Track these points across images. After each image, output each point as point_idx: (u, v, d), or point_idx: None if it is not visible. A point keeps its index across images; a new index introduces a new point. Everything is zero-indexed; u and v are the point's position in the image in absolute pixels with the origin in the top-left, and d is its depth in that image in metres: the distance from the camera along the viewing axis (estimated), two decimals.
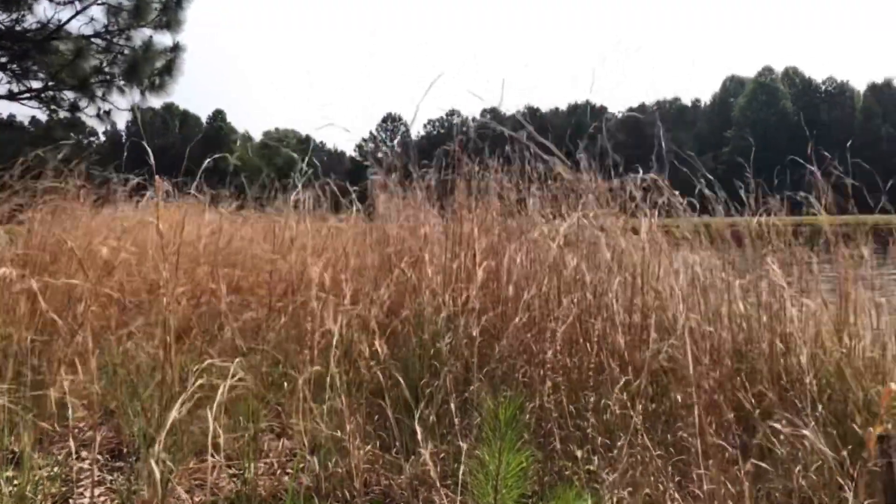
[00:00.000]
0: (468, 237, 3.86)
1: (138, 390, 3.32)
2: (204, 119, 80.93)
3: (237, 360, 2.81)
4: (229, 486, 2.96)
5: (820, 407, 2.71)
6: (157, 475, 2.43)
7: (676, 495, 2.65)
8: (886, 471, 2.04)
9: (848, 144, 3.81)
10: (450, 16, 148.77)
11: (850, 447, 2.57)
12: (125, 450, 3.31)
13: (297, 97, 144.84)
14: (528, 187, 4.18)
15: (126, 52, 13.09)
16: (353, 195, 4.74)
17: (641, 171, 3.82)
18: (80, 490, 2.91)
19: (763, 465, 2.63)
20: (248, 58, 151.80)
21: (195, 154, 4.05)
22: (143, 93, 13.32)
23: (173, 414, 2.45)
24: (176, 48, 13.48)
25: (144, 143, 3.31)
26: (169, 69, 13.41)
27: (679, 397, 2.87)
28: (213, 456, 2.56)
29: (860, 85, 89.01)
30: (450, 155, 4.33)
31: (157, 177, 3.26)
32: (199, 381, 2.65)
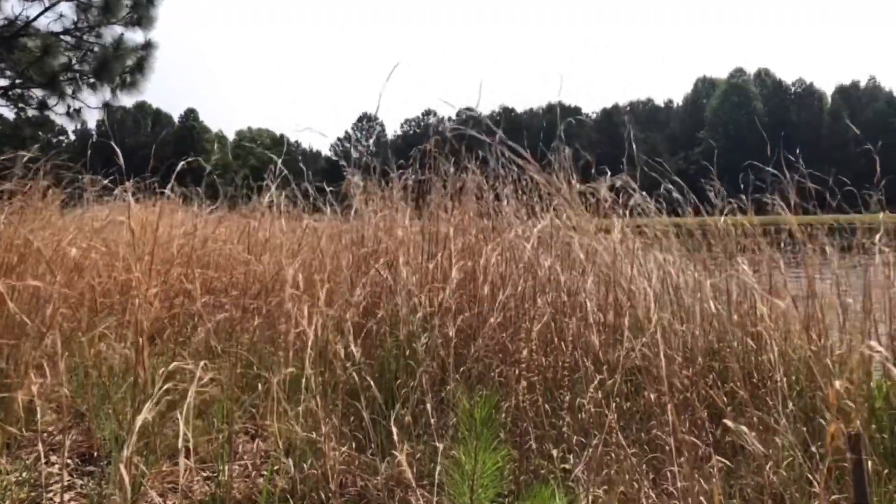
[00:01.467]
0: (444, 238, 3.86)
1: (110, 393, 3.27)
2: (176, 118, 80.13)
3: (203, 363, 2.78)
4: (202, 489, 2.93)
5: (790, 404, 2.75)
6: (128, 479, 2.39)
7: (650, 493, 2.67)
8: (855, 468, 2.08)
9: (816, 146, 3.87)
10: (421, 12, 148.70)
11: (818, 443, 2.62)
12: (96, 454, 3.26)
13: (269, 95, 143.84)
14: (503, 188, 4.19)
15: (96, 49, 12.89)
16: (329, 195, 4.72)
17: (610, 173, 3.86)
18: (50, 495, 2.86)
19: (735, 462, 2.66)
20: (220, 56, 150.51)
21: (168, 154, 4.00)
22: (114, 91, 13.13)
23: (143, 416, 2.41)
24: (148, 46, 13.31)
25: (113, 144, 3.26)
26: (140, 67, 13.23)
27: (652, 396, 2.90)
28: (186, 459, 2.53)
29: (828, 87, 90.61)
30: (426, 155, 4.33)
31: (127, 178, 3.21)
32: (171, 383, 2.61)
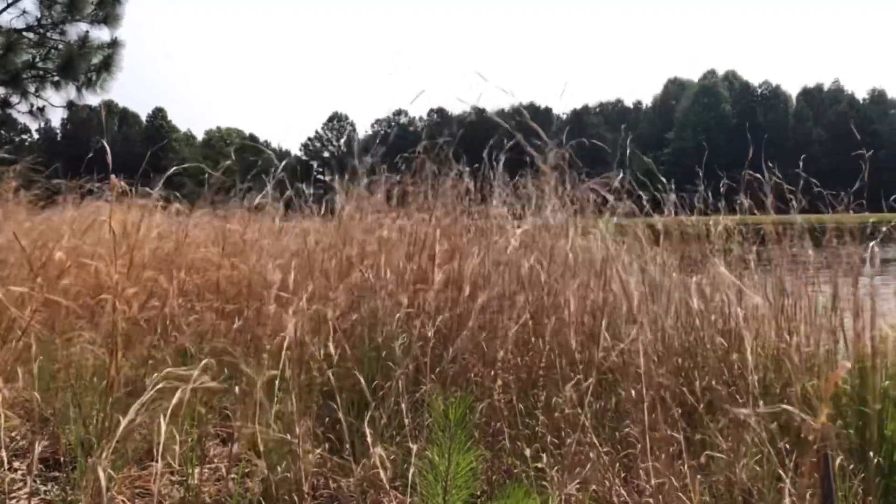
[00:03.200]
0: (426, 239, 3.85)
1: (78, 397, 3.21)
2: (144, 117, 79.02)
3: (204, 363, 2.74)
4: (172, 493, 2.89)
5: (761, 402, 2.79)
6: (104, 483, 2.35)
7: (622, 491, 2.69)
8: (822, 461, 2.12)
9: (782, 147, 3.94)
10: (394, 11, 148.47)
11: (787, 439, 2.66)
12: (62, 459, 3.19)
13: (239, 94, 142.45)
14: (489, 189, 4.20)
15: (60, 46, 12.65)
16: (310, 196, 4.68)
17: (588, 173, 3.89)
18: (13, 502, 2.80)
19: (709, 455, 2.69)
20: (189, 55, 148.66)
21: (136, 153, 3.93)
22: (79, 89, 12.89)
23: (128, 418, 2.36)
24: (114, 43, 13.09)
25: (104, 143, 3.18)
26: (107, 65, 13.00)
27: (626, 393, 2.92)
28: (155, 462, 2.49)
29: (793, 89, 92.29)
30: (409, 158, 4.32)
31: (112, 176, 3.14)
32: (154, 388, 2.57)
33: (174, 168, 3.76)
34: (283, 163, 4.62)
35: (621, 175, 3.83)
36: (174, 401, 2.36)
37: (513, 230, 3.83)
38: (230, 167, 4.81)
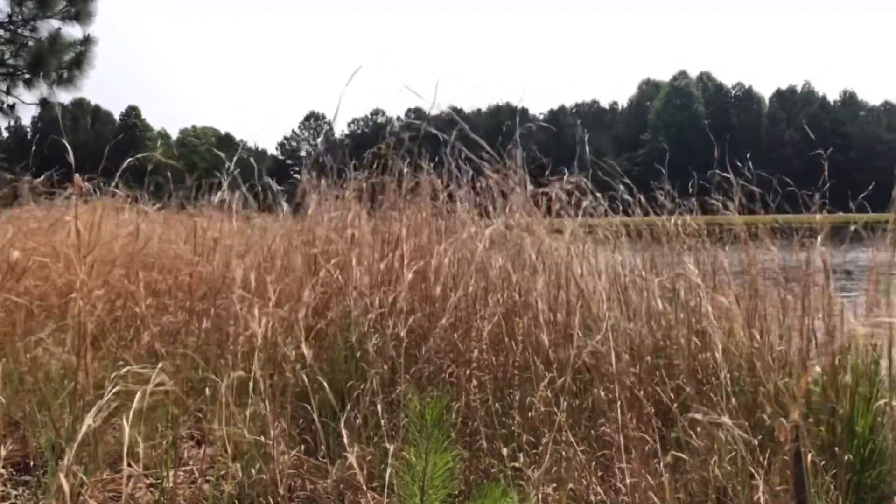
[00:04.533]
0: (397, 238, 3.84)
1: (47, 399, 3.15)
2: (117, 116, 78.04)
3: (159, 365, 2.70)
4: (146, 497, 2.85)
5: (733, 400, 2.82)
6: (67, 488, 2.31)
7: (599, 489, 2.71)
8: (794, 458, 2.14)
9: (755, 148, 4.00)
10: (374, 12, 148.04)
11: (760, 437, 2.70)
12: (32, 463, 3.14)
13: (215, 93, 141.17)
14: (456, 188, 4.19)
15: (31, 43, 12.44)
16: (282, 195, 4.65)
17: (564, 173, 3.91)
18: None
19: (681, 456, 2.72)
20: (164, 53, 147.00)
21: (108, 152, 3.87)
22: (50, 87, 12.70)
23: (87, 422, 2.33)
24: (86, 41, 12.92)
25: (65, 142, 3.13)
26: (79, 62, 12.82)
27: (601, 393, 2.94)
28: (128, 465, 2.46)
29: (766, 90, 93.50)
30: (379, 155, 4.30)
31: (76, 175, 3.08)
32: (116, 389, 2.53)
33: (129, 160, 3.70)
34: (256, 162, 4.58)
35: (574, 175, 3.86)
36: (135, 404, 2.33)
37: (480, 229, 3.83)
38: (204, 166, 4.76)
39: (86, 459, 2.77)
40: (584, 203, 3.77)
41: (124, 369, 2.53)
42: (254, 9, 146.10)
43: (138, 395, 2.40)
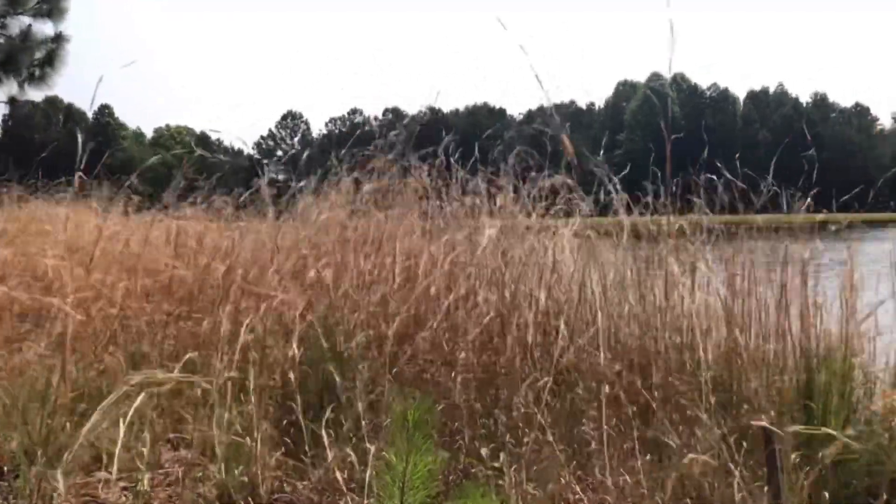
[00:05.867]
0: (384, 238, 3.83)
1: (19, 403, 3.10)
2: (90, 114, 76.89)
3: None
4: (122, 500, 2.81)
5: (712, 399, 2.85)
6: (63, 488, 2.27)
7: (578, 488, 2.72)
8: (769, 457, 2.17)
9: (729, 149, 4.04)
10: (352, 11, 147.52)
11: (736, 435, 2.72)
12: (4, 468, 3.08)
13: (191, 92, 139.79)
14: (445, 189, 4.19)
15: (1, 41, 12.22)
16: (269, 196, 4.60)
17: (547, 174, 3.92)
18: None
19: (659, 456, 2.74)
20: (139, 50, 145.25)
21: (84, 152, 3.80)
22: (21, 85, 12.47)
23: (89, 426, 2.29)
24: (59, 38, 12.69)
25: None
26: (50, 60, 12.60)
27: (583, 392, 2.95)
28: (104, 469, 2.42)
29: (740, 92, 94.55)
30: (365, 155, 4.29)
31: (77, 174, 3.02)
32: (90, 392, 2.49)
33: (107, 156, 3.66)
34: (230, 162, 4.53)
35: (550, 175, 3.88)
36: (112, 406, 2.29)
37: (476, 230, 3.82)
38: (179, 166, 4.70)
39: (59, 463, 2.73)
40: (573, 202, 3.79)
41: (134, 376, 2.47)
42: (251, 8, 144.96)
43: (111, 397, 2.36)
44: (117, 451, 2.33)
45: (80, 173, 3.31)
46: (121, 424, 2.35)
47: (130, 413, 2.37)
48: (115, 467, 2.38)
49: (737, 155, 3.74)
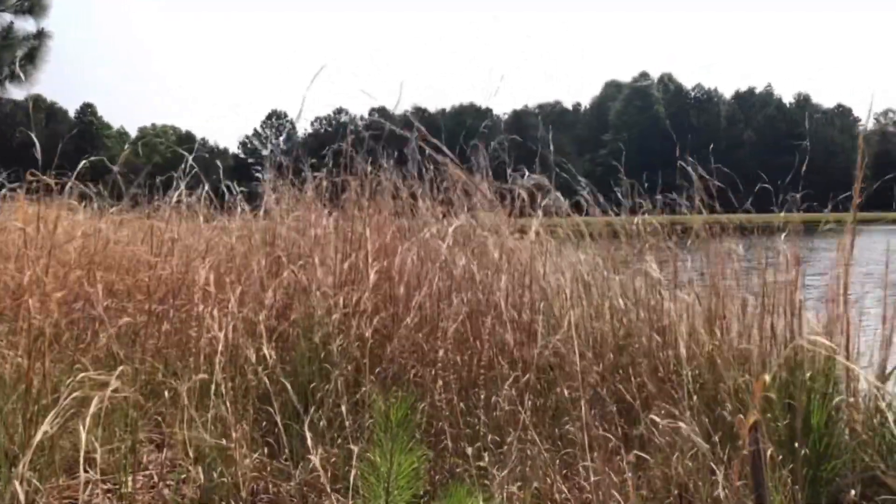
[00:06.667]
0: (360, 238, 3.81)
1: None
2: (73, 113, 76.25)
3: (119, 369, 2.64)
4: (104, 503, 2.79)
5: (695, 397, 2.86)
6: (22, 495, 2.25)
7: (563, 487, 2.73)
8: (753, 455, 2.18)
9: (713, 149, 4.07)
10: (336, 10, 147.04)
11: (720, 433, 2.74)
12: None
13: (175, 90, 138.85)
14: (420, 187, 4.18)
15: None
16: (241, 195, 4.58)
17: (527, 173, 3.92)
18: None
19: (644, 454, 2.75)
20: (122, 49, 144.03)
21: (64, 150, 3.76)
22: (2, 82, 12.35)
23: (44, 428, 2.26)
24: (40, 35, 12.58)
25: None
26: (32, 58, 12.48)
27: (565, 392, 2.96)
28: (85, 471, 2.40)
29: (726, 92, 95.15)
30: (341, 154, 4.27)
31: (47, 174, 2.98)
32: (73, 394, 2.47)
33: (84, 162, 3.62)
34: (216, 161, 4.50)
35: (536, 174, 3.89)
36: (92, 408, 2.27)
37: (444, 228, 3.82)
38: (163, 165, 4.66)
39: (40, 465, 2.70)
40: (546, 202, 3.79)
41: (81, 375, 2.46)
42: (249, 8, 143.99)
43: (95, 399, 2.34)
44: (82, 452, 2.30)
45: (50, 172, 3.27)
46: (82, 427, 2.32)
47: (91, 412, 2.33)
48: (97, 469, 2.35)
49: (709, 154, 3.76)
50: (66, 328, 3.50)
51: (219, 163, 4.77)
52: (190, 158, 4.07)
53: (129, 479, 2.82)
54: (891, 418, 2.71)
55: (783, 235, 3.40)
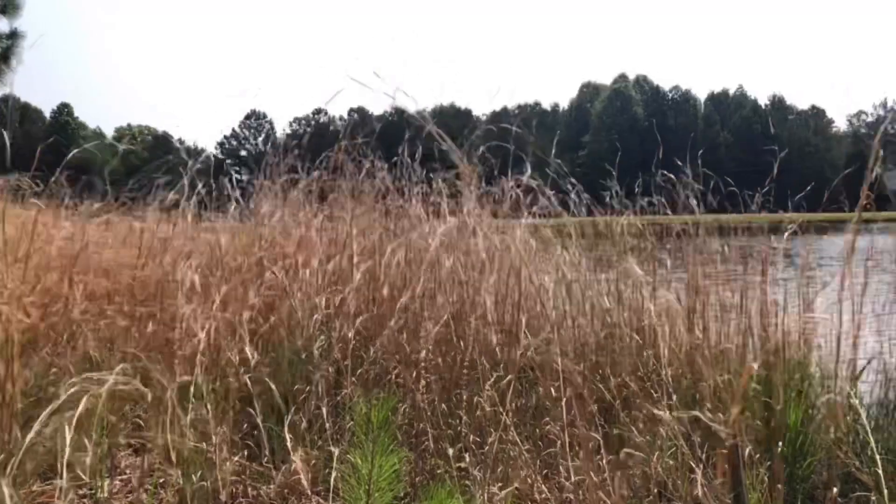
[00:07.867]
0: (345, 238, 3.80)
1: None
2: (48, 113, 75.31)
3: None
4: None
5: (675, 396, 2.88)
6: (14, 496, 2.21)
7: (544, 487, 2.73)
8: (731, 453, 2.20)
9: (691, 150, 4.10)
10: (320, 9, 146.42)
11: (699, 432, 2.76)
12: None
13: (152, 90, 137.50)
14: (407, 187, 4.18)
15: None
16: (232, 196, 4.53)
17: (510, 174, 3.94)
18: None
19: (626, 452, 2.76)
20: (99, 49, 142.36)
21: (38, 149, 3.71)
22: None
23: (30, 436, 2.23)
24: (14, 35, 12.41)
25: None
26: (5, 58, 12.31)
27: (545, 391, 2.97)
28: (60, 477, 2.36)
29: (701, 93, 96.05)
30: (324, 151, 4.26)
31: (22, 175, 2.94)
32: (48, 397, 2.43)
33: (69, 156, 3.57)
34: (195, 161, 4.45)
35: (522, 175, 3.90)
36: (68, 413, 2.24)
37: (432, 229, 3.82)
38: (140, 166, 4.60)
39: (15, 472, 2.66)
40: (542, 202, 3.81)
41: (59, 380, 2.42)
42: (244, 10, 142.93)
43: (83, 402, 2.30)
44: (65, 458, 2.27)
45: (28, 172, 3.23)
46: (68, 430, 2.29)
47: (75, 416, 2.30)
48: (65, 474, 2.32)
49: (686, 155, 3.80)
50: (44, 332, 3.45)
51: (190, 163, 4.71)
52: (191, 162, 4.02)
53: (106, 483, 2.78)
54: (863, 415, 2.75)
55: (785, 235, 3.44)
